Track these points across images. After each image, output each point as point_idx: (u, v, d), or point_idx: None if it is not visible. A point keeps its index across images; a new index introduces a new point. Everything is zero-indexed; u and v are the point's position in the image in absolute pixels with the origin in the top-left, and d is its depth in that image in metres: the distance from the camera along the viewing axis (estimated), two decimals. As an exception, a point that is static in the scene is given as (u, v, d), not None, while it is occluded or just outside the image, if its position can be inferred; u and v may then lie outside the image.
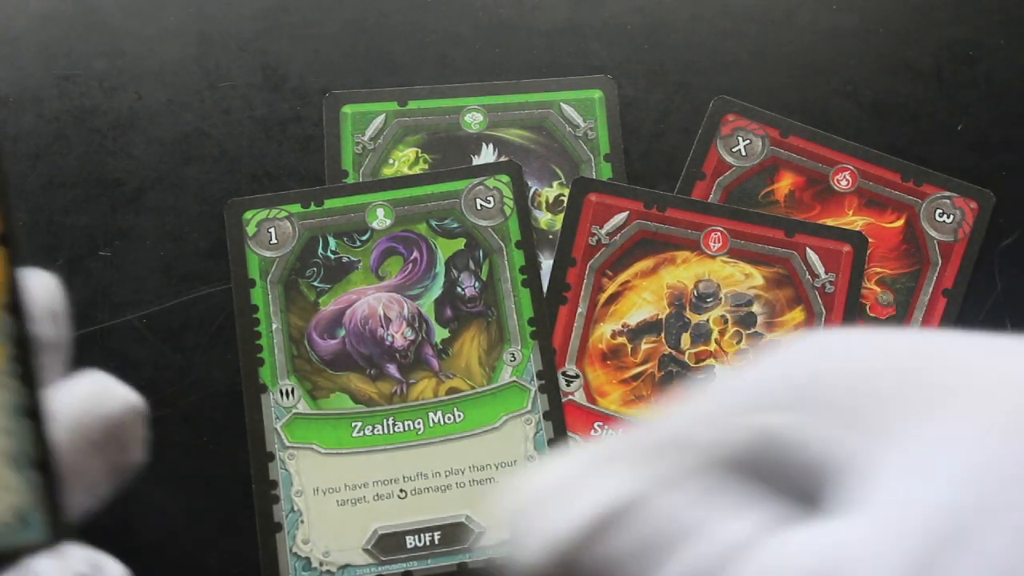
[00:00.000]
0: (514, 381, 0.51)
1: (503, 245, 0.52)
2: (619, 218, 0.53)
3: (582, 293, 0.52)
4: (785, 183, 0.54)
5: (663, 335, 0.52)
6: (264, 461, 0.50)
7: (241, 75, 0.54)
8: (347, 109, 0.54)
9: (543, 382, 0.51)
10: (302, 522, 0.49)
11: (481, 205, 0.53)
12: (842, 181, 0.54)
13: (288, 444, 0.50)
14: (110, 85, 0.54)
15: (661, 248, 0.53)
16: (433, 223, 0.52)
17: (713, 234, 0.53)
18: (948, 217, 0.54)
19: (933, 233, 0.54)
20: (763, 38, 0.56)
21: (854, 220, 0.54)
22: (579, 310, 0.52)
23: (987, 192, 0.54)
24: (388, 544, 0.49)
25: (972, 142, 0.55)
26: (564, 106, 0.54)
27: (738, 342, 0.52)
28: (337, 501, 0.50)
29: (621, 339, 0.52)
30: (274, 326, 0.51)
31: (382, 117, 0.54)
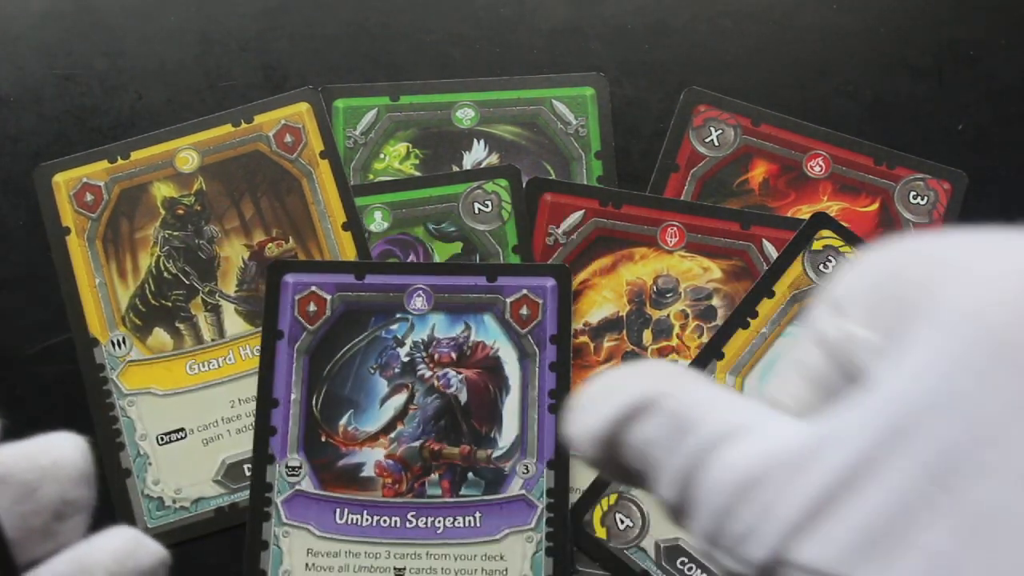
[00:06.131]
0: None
1: (500, 249, 0.52)
2: (575, 217, 0.53)
3: (542, 294, 0.52)
4: (759, 171, 0.54)
5: (625, 332, 0.52)
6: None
7: (241, 75, 0.54)
8: (339, 103, 0.54)
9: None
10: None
11: (479, 209, 0.53)
12: (815, 167, 0.54)
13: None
14: (110, 85, 0.54)
15: (619, 245, 0.53)
16: (431, 226, 0.53)
17: (670, 229, 0.53)
18: (922, 199, 0.54)
19: (908, 215, 0.54)
20: (763, 38, 0.56)
21: (829, 205, 0.54)
22: (540, 311, 0.52)
23: (959, 172, 0.54)
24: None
25: (972, 142, 0.55)
26: (556, 103, 0.54)
27: (699, 336, 0.52)
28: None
29: (583, 338, 0.52)
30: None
31: (374, 111, 0.54)
